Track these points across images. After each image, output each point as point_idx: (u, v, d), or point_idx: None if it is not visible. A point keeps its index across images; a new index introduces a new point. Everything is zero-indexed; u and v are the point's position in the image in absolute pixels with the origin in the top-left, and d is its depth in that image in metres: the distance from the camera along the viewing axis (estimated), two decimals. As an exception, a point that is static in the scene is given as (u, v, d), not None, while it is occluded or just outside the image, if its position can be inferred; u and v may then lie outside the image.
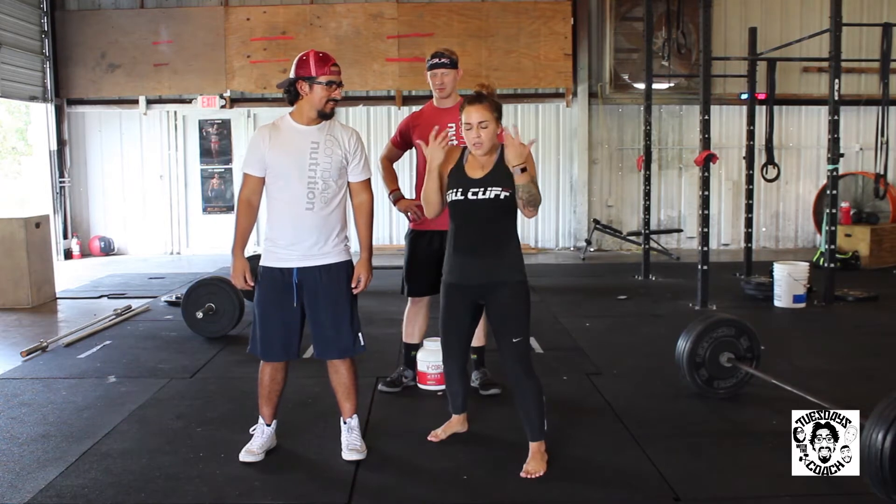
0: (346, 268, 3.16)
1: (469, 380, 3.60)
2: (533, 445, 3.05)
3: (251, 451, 3.17)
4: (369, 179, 3.22)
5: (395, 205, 3.99)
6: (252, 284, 3.13)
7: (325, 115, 3.07)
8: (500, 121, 3.05)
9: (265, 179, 3.10)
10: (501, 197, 2.95)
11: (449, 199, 3.05)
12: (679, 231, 10.26)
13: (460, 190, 3.00)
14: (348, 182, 3.17)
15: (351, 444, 3.19)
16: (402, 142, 4.05)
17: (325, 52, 3.10)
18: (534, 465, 3.00)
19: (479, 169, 3.02)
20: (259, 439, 3.21)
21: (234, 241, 3.14)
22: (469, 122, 2.97)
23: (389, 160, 4.10)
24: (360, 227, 3.22)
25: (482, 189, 2.96)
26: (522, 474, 2.97)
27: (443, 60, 3.84)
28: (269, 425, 3.25)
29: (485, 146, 2.98)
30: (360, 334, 3.20)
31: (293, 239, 3.06)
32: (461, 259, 3.04)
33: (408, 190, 4.19)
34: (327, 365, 3.23)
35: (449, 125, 3.84)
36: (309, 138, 3.06)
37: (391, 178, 4.07)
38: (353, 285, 3.14)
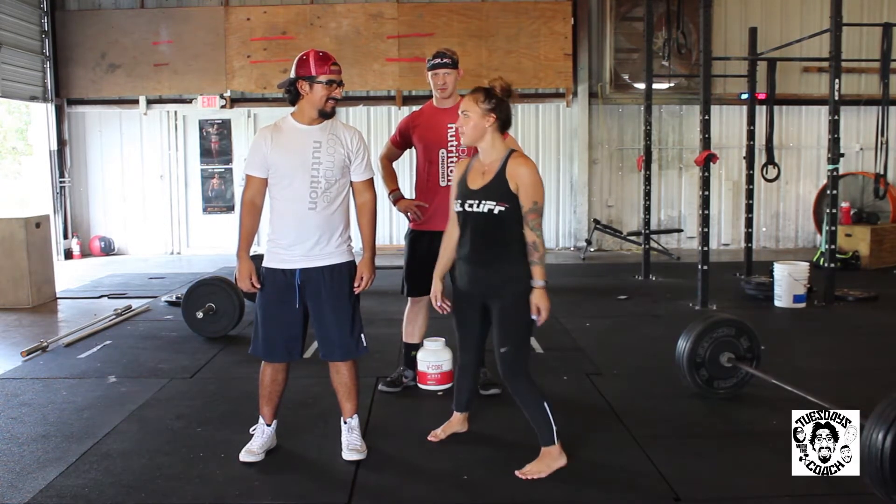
0: (349, 268, 3.16)
1: (479, 379, 3.58)
2: (542, 449, 3.01)
3: (251, 451, 3.17)
4: (372, 179, 3.22)
5: (394, 205, 3.99)
6: (259, 287, 3.12)
7: (325, 115, 3.07)
8: (495, 113, 2.95)
9: (268, 180, 3.10)
10: (495, 212, 2.88)
11: (454, 209, 3.05)
12: (679, 231, 10.26)
13: (460, 201, 2.99)
14: (351, 182, 3.17)
15: (351, 444, 3.19)
16: (402, 141, 4.04)
17: (326, 52, 3.10)
18: (532, 466, 2.98)
19: (479, 178, 2.98)
20: (259, 439, 3.21)
21: (239, 243, 3.13)
22: (459, 110, 3.01)
23: (389, 160, 4.10)
24: (363, 226, 3.22)
25: (477, 201, 2.92)
26: (517, 473, 2.95)
27: (445, 60, 3.84)
28: (269, 425, 3.25)
29: (466, 137, 2.97)
30: (362, 336, 3.20)
31: (296, 239, 3.06)
32: (465, 267, 3.04)
33: (408, 190, 4.18)
34: (329, 365, 3.23)
35: (449, 126, 3.85)
36: (311, 137, 3.06)
37: (391, 177, 4.07)
38: (355, 284, 3.14)
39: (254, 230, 3.16)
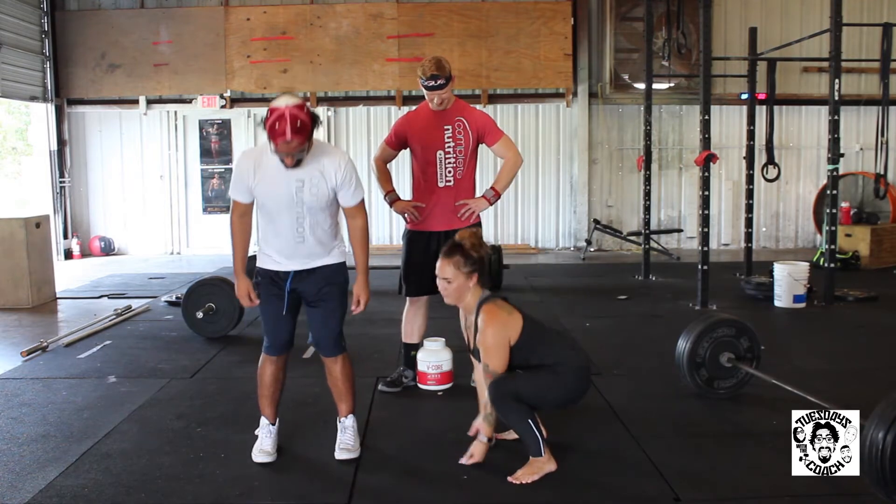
0: (342, 268, 3.18)
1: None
2: (531, 458, 3.00)
3: (266, 452, 3.16)
4: (362, 201, 3.16)
5: (391, 206, 3.97)
6: (258, 302, 3.14)
7: (289, 167, 2.93)
8: (477, 272, 3.02)
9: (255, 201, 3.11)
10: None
11: None
12: (679, 231, 10.26)
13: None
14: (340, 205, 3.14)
15: (343, 444, 3.20)
16: (398, 142, 3.99)
17: (285, 122, 2.73)
18: (522, 471, 2.96)
19: (471, 335, 3.11)
20: (269, 439, 3.21)
21: (234, 262, 3.16)
22: (437, 273, 3.07)
23: (383, 161, 4.06)
24: (356, 250, 3.20)
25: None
26: (509, 478, 2.94)
27: (439, 83, 3.72)
28: (273, 424, 3.25)
29: (450, 298, 3.07)
30: (340, 335, 3.22)
31: (289, 255, 3.09)
32: None
33: (405, 191, 4.16)
34: (324, 366, 3.25)
35: (445, 127, 3.83)
36: (293, 176, 2.96)
37: (386, 178, 4.03)
38: (352, 307, 3.17)
39: (246, 247, 3.16)
